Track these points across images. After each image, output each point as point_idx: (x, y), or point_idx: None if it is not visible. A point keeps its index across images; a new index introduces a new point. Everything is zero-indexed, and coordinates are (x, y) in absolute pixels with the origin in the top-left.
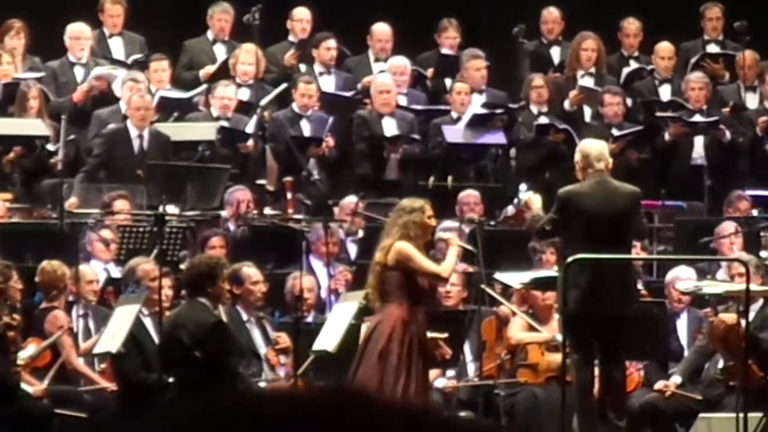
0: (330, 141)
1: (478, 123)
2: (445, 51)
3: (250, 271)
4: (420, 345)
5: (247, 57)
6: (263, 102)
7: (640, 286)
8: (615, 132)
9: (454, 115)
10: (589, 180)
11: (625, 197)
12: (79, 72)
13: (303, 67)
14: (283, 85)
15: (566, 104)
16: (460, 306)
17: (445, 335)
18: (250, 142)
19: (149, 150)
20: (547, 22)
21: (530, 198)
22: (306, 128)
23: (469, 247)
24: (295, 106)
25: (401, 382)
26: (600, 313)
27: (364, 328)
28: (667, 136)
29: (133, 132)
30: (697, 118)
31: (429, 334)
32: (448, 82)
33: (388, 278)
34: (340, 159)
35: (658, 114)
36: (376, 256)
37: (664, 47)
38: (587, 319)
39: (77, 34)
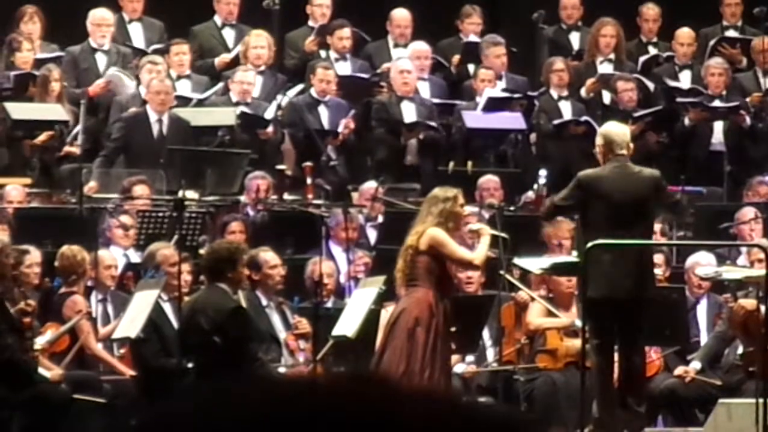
0: (351, 123)
1: (494, 108)
2: (469, 38)
3: (267, 255)
4: (444, 334)
5: (259, 41)
6: (279, 100)
7: (659, 271)
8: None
9: (478, 99)
10: (610, 164)
11: (645, 182)
12: (101, 59)
13: (323, 54)
14: (300, 86)
15: (583, 92)
16: (479, 292)
17: (453, 329)
18: (270, 129)
19: (169, 135)
20: (566, 8)
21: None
22: (324, 114)
23: (502, 234)
24: (313, 92)
25: (426, 372)
26: (620, 298)
27: (384, 314)
28: (687, 122)
29: (153, 116)
30: (717, 104)
31: None
32: (470, 68)
33: (417, 263)
34: (359, 144)
35: (679, 100)
36: (408, 239)
37: (684, 33)
38: (607, 304)
39: (99, 20)
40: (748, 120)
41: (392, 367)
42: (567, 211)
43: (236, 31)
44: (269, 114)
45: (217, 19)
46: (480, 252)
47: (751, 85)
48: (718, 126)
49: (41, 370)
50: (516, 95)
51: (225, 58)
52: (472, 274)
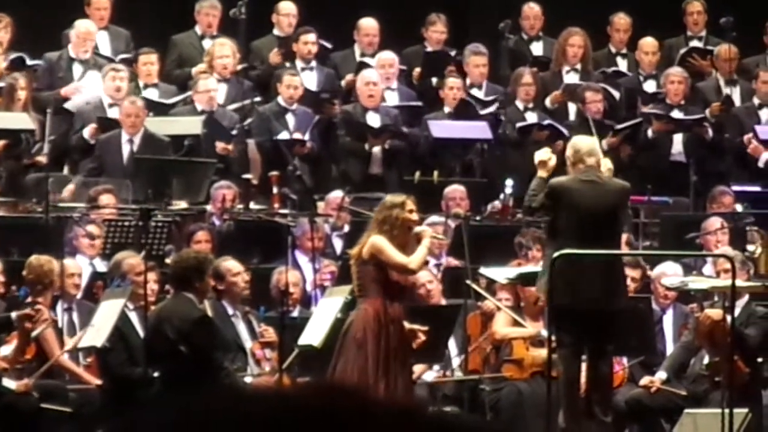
0: (309, 145)
1: (461, 115)
2: (431, 48)
3: (228, 264)
4: (399, 340)
5: (224, 50)
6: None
7: (631, 284)
8: (595, 124)
9: (446, 110)
10: (580, 174)
11: (614, 192)
12: (77, 69)
13: (288, 64)
14: (248, 101)
15: (547, 102)
16: (442, 301)
17: (425, 327)
18: (231, 146)
19: (141, 154)
20: (528, 18)
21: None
22: (291, 122)
23: (441, 237)
24: (280, 100)
25: (382, 382)
26: (589, 308)
27: None
28: (650, 133)
29: (124, 137)
30: (676, 113)
31: (408, 325)
32: (433, 80)
33: (363, 272)
34: (325, 154)
35: (644, 110)
36: (353, 250)
37: (648, 42)
38: (575, 314)
39: (84, 33)
40: (710, 132)
41: (345, 380)
42: (541, 215)
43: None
44: (230, 122)
45: (198, 30)
46: (416, 256)
47: (712, 95)
48: (678, 137)
49: (6, 382)
50: (486, 111)
51: (201, 68)
52: (430, 288)
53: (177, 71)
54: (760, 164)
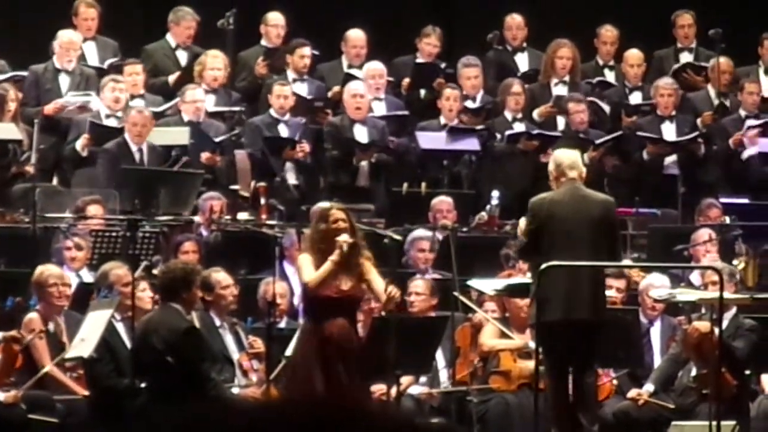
0: (306, 146)
1: (455, 136)
2: (422, 59)
3: (219, 276)
4: (342, 359)
5: (215, 62)
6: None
7: (617, 294)
8: (583, 136)
9: (442, 120)
10: (562, 188)
11: (597, 205)
12: (64, 81)
13: (275, 76)
14: (236, 108)
15: (535, 115)
16: (431, 313)
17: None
18: (218, 157)
19: (149, 163)
20: (510, 29)
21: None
22: (283, 133)
23: (344, 249)
24: (272, 111)
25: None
26: (574, 320)
27: None
28: (645, 156)
29: (133, 147)
30: (667, 125)
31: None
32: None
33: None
34: (313, 165)
35: (639, 133)
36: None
37: (633, 54)
38: (564, 327)
39: (67, 44)
40: (702, 149)
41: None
42: (536, 244)
43: (188, 51)
44: (218, 138)
45: (171, 39)
46: (319, 272)
47: (704, 105)
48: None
49: None
50: (478, 127)
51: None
52: (420, 293)
53: (152, 80)
54: (744, 156)
